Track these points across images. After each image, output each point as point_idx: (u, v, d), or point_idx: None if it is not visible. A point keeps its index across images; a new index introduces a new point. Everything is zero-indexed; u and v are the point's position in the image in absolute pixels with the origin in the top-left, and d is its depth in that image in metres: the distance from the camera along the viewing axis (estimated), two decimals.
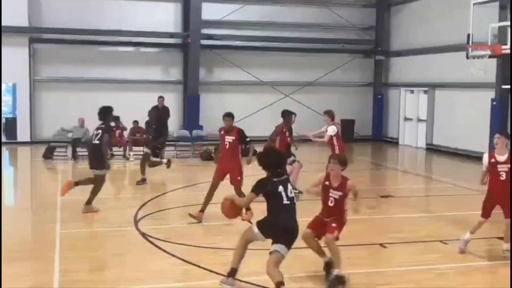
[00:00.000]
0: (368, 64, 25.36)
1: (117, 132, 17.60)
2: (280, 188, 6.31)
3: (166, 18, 22.92)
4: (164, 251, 8.12)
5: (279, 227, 6.32)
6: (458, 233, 9.44)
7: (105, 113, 10.80)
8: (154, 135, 14.38)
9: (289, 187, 6.43)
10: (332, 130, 11.66)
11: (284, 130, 12.18)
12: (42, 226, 9.78)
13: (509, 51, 13.74)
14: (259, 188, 6.37)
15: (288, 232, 6.32)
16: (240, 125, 24.42)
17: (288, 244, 6.31)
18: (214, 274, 7.15)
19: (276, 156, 6.71)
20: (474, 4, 14.43)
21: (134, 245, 8.53)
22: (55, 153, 17.98)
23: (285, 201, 6.31)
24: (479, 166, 18.42)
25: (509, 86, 17.84)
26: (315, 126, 16.44)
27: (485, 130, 18.14)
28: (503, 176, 7.92)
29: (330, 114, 11.86)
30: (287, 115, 12.36)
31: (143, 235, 8.96)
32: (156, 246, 8.39)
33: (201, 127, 21.68)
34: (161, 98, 14.66)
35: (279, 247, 6.25)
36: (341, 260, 6.82)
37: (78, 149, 17.74)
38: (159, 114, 14.54)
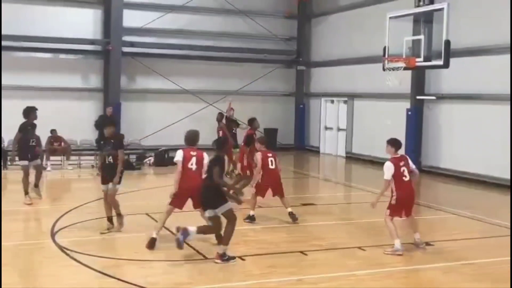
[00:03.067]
0: (290, 74, 25.78)
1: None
2: None
3: (86, 25, 22.29)
4: (82, 264, 7.87)
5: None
6: (376, 240, 9.75)
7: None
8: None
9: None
10: None
11: None
12: None
13: (422, 63, 14.34)
14: None
15: None
16: (163, 134, 24.11)
17: None
18: (133, 286, 7.01)
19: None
20: (390, 17, 14.96)
21: (50, 258, 8.21)
22: None
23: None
24: None
25: (422, 97, 18.71)
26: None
27: (400, 139, 18.72)
28: None
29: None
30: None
31: (60, 248, 8.65)
32: (74, 259, 8.11)
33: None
34: (109, 108, 16.42)
35: None
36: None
37: None
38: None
